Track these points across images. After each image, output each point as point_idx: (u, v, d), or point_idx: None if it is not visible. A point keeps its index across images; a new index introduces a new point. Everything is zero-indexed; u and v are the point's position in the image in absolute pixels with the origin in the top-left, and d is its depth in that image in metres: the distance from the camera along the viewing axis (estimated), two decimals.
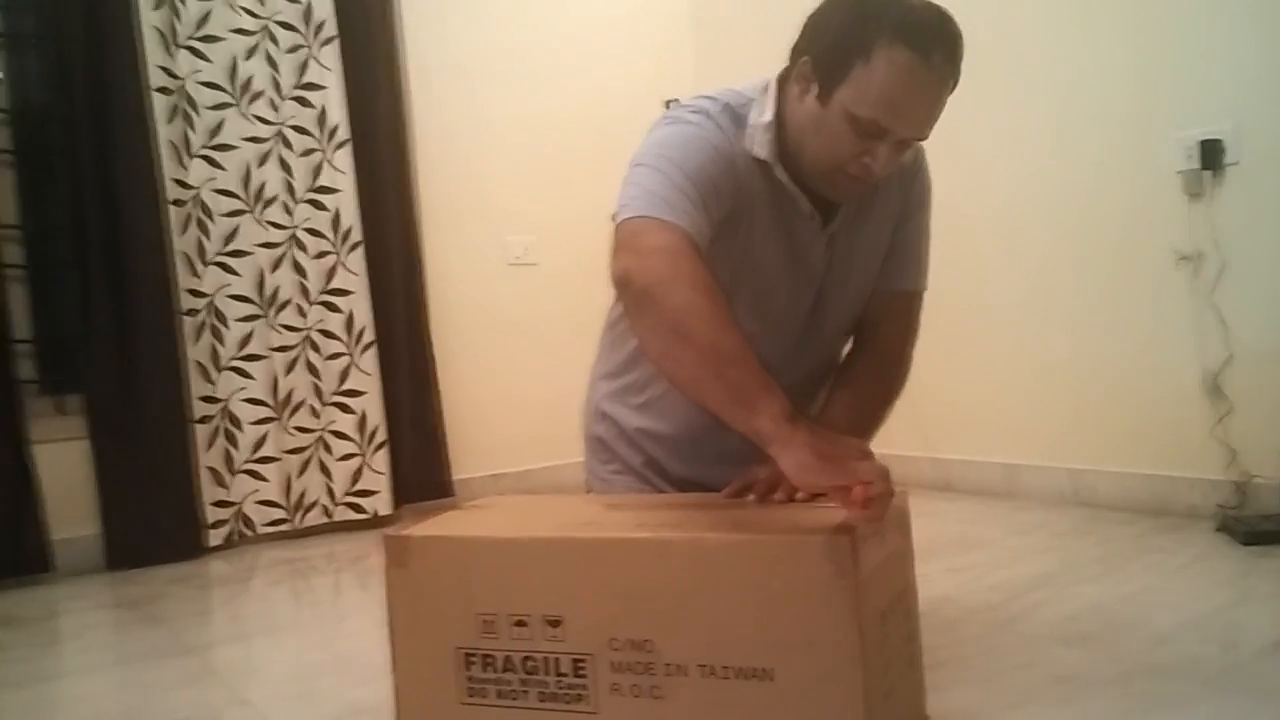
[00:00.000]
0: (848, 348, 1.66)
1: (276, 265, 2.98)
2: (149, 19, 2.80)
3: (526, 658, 1.19)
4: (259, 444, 2.94)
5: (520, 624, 1.19)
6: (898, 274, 1.60)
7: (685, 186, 1.33)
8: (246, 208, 2.94)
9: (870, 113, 1.31)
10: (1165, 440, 2.53)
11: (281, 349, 2.99)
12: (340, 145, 3.05)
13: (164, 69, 2.83)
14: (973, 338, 2.98)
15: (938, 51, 1.30)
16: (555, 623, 1.18)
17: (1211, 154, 2.39)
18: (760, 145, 1.43)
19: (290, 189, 3.01)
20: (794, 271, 1.51)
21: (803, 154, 1.41)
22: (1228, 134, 2.38)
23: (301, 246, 3.02)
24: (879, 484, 1.11)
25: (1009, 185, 2.88)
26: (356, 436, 3.07)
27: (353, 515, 3.06)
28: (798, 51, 1.40)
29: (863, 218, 1.54)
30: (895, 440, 2.96)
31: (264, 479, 2.95)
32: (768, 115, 1.43)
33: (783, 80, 1.44)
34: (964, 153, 2.91)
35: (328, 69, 3.04)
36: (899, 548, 1.28)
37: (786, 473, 1.15)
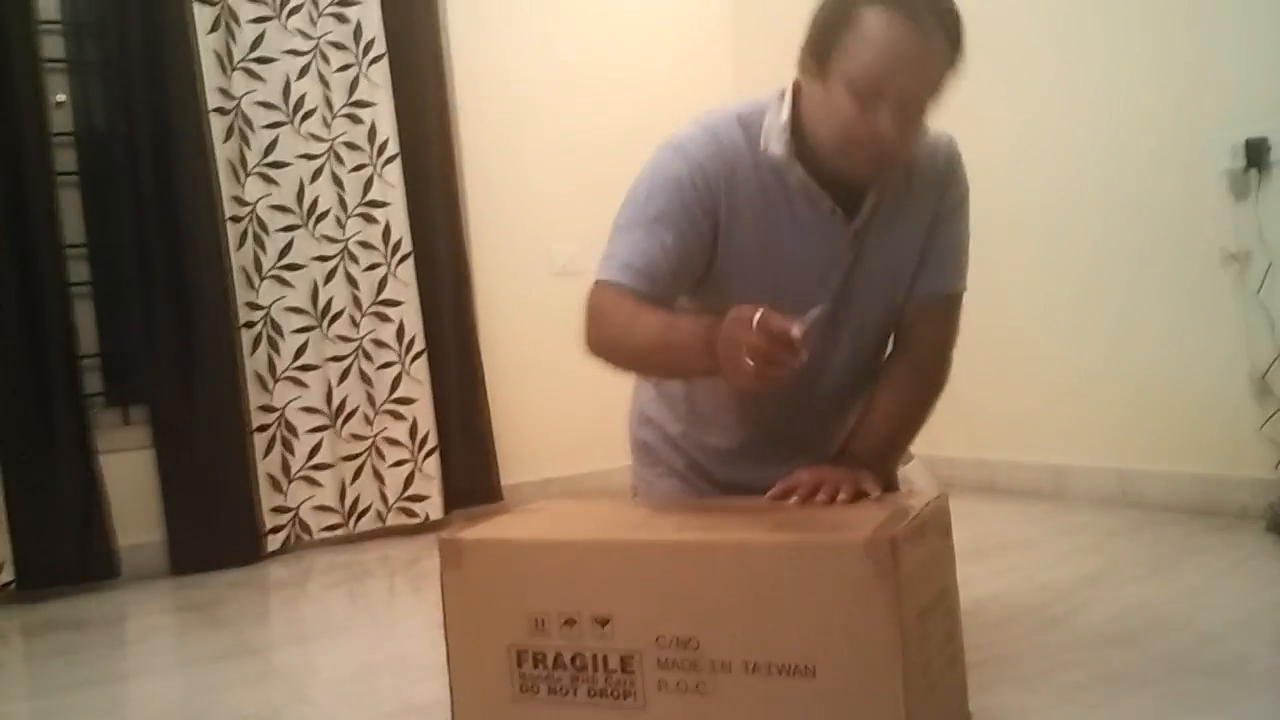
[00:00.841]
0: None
1: (330, 278, 3.06)
2: (206, 42, 2.89)
3: (576, 655, 1.23)
4: (314, 451, 3.02)
5: (570, 623, 1.23)
6: (935, 278, 1.60)
7: (639, 231, 1.48)
8: (300, 223, 3.03)
9: (863, 72, 1.36)
10: (1214, 440, 2.52)
11: (335, 359, 3.07)
12: (390, 160, 3.12)
13: (221, 90, 2.93)
14: (1018, 338, 2.97)
15: (923, 10, 1.35)
16: (604, 622, 1.22)
17: (1257, 153, 2.37)
18: (776, 144, 1.48)
19: (342, 203, 3.09)
20: (808, 268, 1.53)
21: (817, 141, 1.45)
22: (1273, 133, 2.36)
23: (353, 259, 3.10)
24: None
25: (1054, 185, 2.87)
26: (408, 443, 3.14)
27: (405, 520, 3.13)
28: (801, 50, 1.47)
29: (894, 218, 1.55)
30: (940, 441, 2.96)
31: (319, 485, 3.03)
32: (784, 116, 1.48)
33: (796, 84, 1.50)
34: (1010, 154, 2.91)
35: (377, 86, 3.11)
36: (940, 548, 1.30)
37: (727, 351, 1.25)
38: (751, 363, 1.20)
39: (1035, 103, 2.88)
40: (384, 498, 3.12)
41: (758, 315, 1.20)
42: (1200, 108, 2.50)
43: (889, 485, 1.59)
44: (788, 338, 1.19)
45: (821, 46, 1.40)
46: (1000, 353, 2.96)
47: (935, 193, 1.58)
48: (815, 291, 1.54)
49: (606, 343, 1.50)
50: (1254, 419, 2.42)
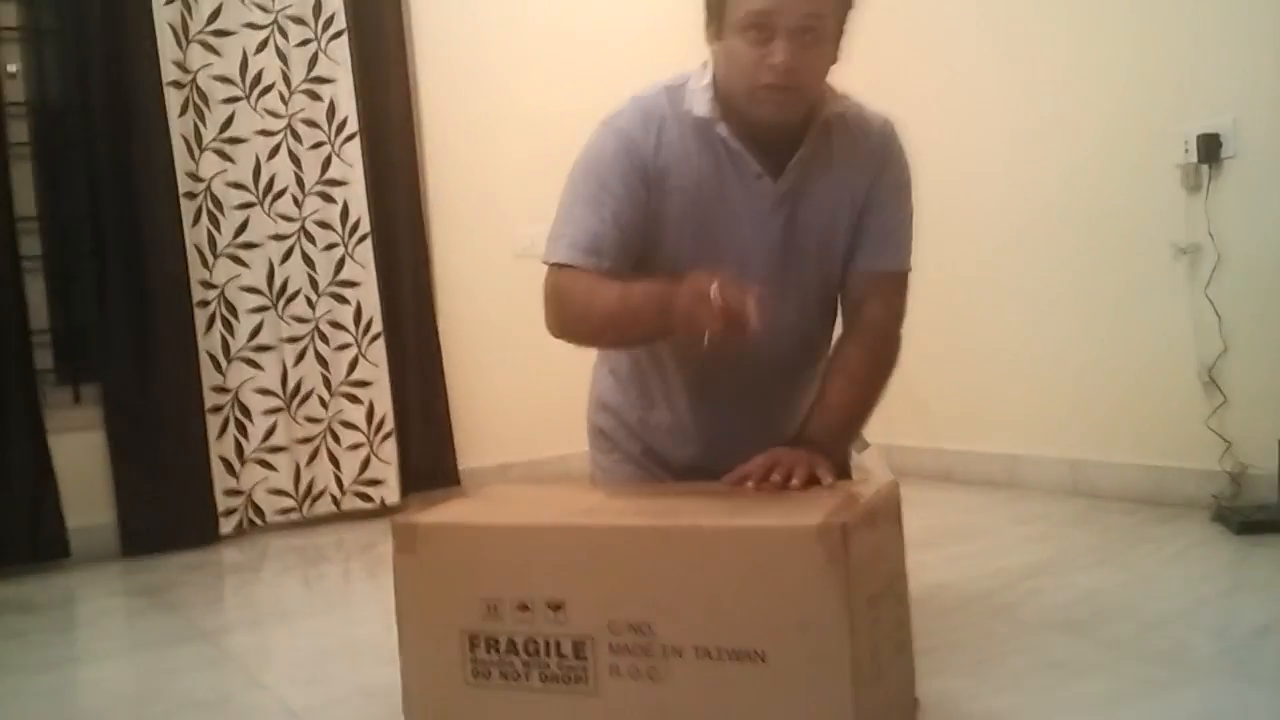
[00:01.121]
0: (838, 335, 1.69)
1: (286, 257, 3.02)
2: (162, 14, 2.83)
3: (529, 640, 1.23)
4: (269, 434, 2.99)
5: (523, 608, 1.23)
6: (879, 255, 1.62)
7: (580, 209, 1.55)
8: (256, 200, 2.98)
9: (747, 18, 1.42)
10: (1162, 431, 2.56)
11: (291, 340, 3.03)
12: (349, 138, 3.08)
13: (176, 64, 2.87)
14: (973, 329, 3.00)
15: None
16: (557, 606, 1.22)
17: (1209, 148, 2.41)
18: (701, 105, 1.54)
19: (300, 182, 3.05)
20: (742, 230, 1.56)
21: (734, 100, 1.50)
22: (1226, 128, 2.40)
23: (310, 239, 3.06)
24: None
25: (1009, 178, 2.90)
26: (364, 426, 3.11)
27: (360, 504, 3.10)
28: (703, 21, 1.54)
29: (823, 184, 1.58)
30: (897, 431, 3.00)
31: (273, 468, 2.99)
32: (705, 79, 1.55)
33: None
34: (965, 146, 2.93)
35: (337, 62, 3.07)
36: (890, 535, 1.32)
37: (687, 306, 1.32)
38: (710, 332, 1.28)
39: (990, 97, 2.91)
40: (339, 481, 3.09)
41: (714, 288, 1.26)
42: (1154, 102, 2.54)
43: (843, 471, 1.60)
44: (743, 311, 1.25)
45: (714, 8, 1.48)
46: (957, 345, 3.00)
47: (871, 167, 1.60)
48: (751, 256, 1.56)
49: (570, 323, 1.55)
50: (1201, 412, 2.46)
